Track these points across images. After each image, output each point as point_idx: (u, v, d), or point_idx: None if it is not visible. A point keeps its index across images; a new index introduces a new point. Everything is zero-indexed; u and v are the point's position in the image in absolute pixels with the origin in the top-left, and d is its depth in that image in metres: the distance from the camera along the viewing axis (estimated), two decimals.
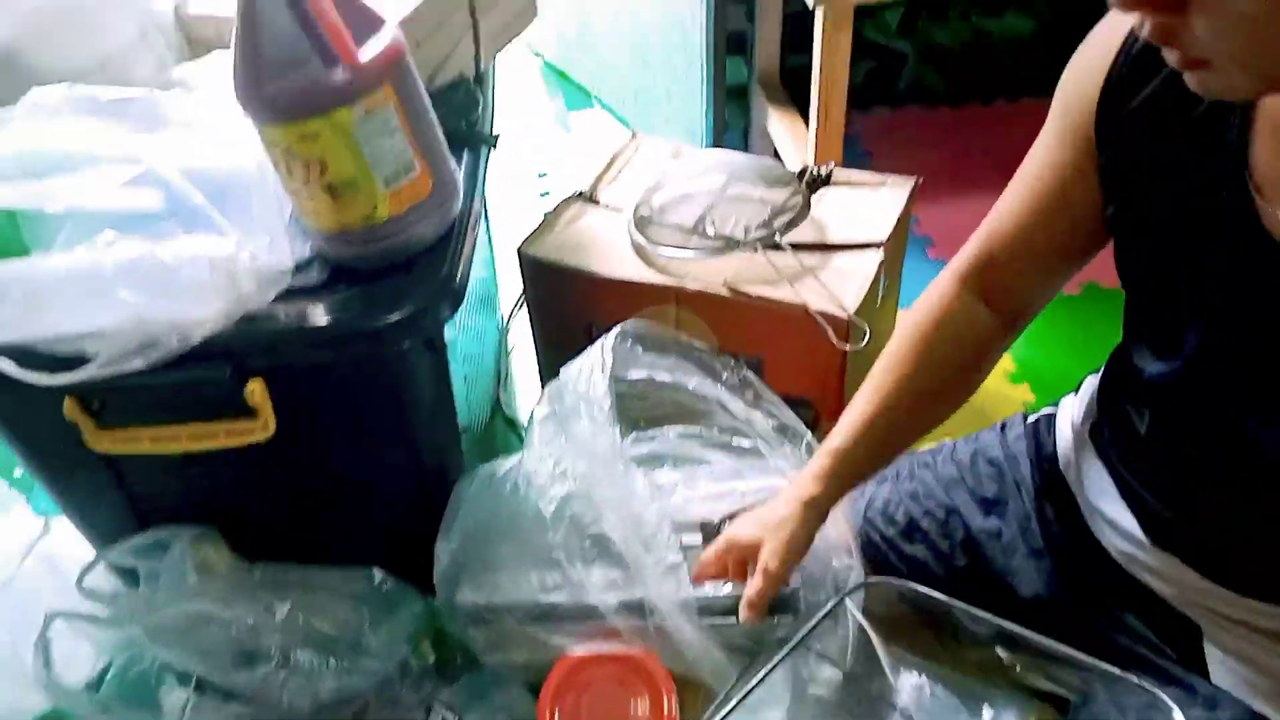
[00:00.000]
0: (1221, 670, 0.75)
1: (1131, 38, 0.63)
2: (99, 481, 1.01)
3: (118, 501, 1.03)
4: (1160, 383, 0.70)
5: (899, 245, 1.30)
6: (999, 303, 0.81)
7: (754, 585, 0.82)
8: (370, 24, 0.87)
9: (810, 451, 0.94)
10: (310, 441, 0.98)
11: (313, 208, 0.90)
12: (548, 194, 1.85)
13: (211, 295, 0.86)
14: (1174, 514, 0.74)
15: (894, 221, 1.22)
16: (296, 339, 0.88)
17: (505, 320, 1.57)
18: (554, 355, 1.33)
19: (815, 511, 0.82)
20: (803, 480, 0.83)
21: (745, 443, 1.01)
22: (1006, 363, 1.45)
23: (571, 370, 0.96)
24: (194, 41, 1.17)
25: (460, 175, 1.00)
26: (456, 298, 0.93)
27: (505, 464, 1.04)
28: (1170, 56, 0.50)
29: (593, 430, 0.90)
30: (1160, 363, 0.70)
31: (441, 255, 0.94)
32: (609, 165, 1.38)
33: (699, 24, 1.63)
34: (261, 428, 0.91)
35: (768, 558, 0.81)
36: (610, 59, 1.99)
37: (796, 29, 1.89)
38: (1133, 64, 0.62)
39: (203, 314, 0.86)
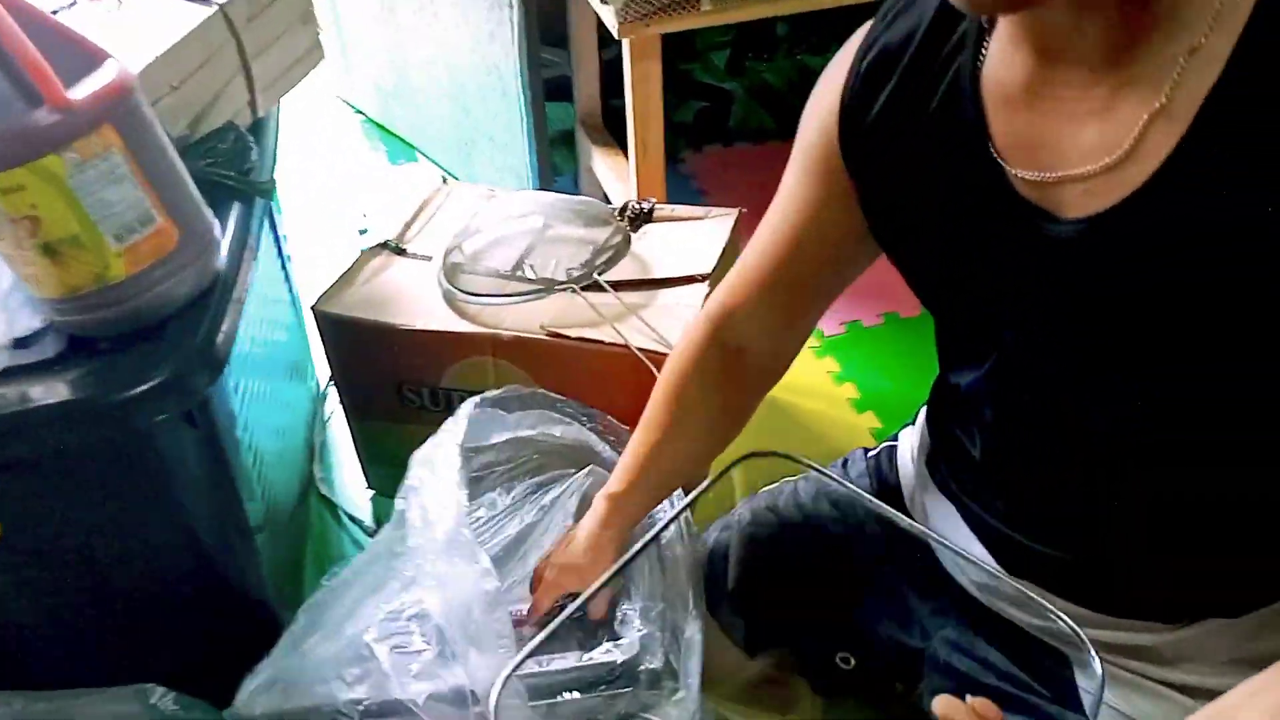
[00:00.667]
0: (1091, 701, 0.69)
1: (858, 60, 0.63)
2: None
3: None
4: (983, 390, 0.66)
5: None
6: (747, 352, 0.81)
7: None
8: (89, 60, 0.76)
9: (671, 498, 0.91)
10: (55, 542, 0.83)
11: (31, 272, 0.77)
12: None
13: None
14: (1024, 535, 0.69)
15: (719, 253, 1.16)
16: (19, 423, 0.75)
17: (321, 389, 1.44)
18: (364, 421, 1.22)
19: (613, 550, 0.81)
20: (591, 526, 0.82)
21: None
22: (851, 390, 1.41)
23: (426, 448, 0.87)
24: None
25: (223, 228, 0.89)
26: (216, 363, 0.81)
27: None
28: None
29: (436, 505, 0.80)
30: (975, 370, 0.65)
31: (198, 317, 0.82)
32: (417, 213, 1.28)
33: (514, 69, 1.57)
34: None
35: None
36: (430, 110, 1.91)
37: (615, 75, 1.87)
38: (863, 82, 0.62)
39: None
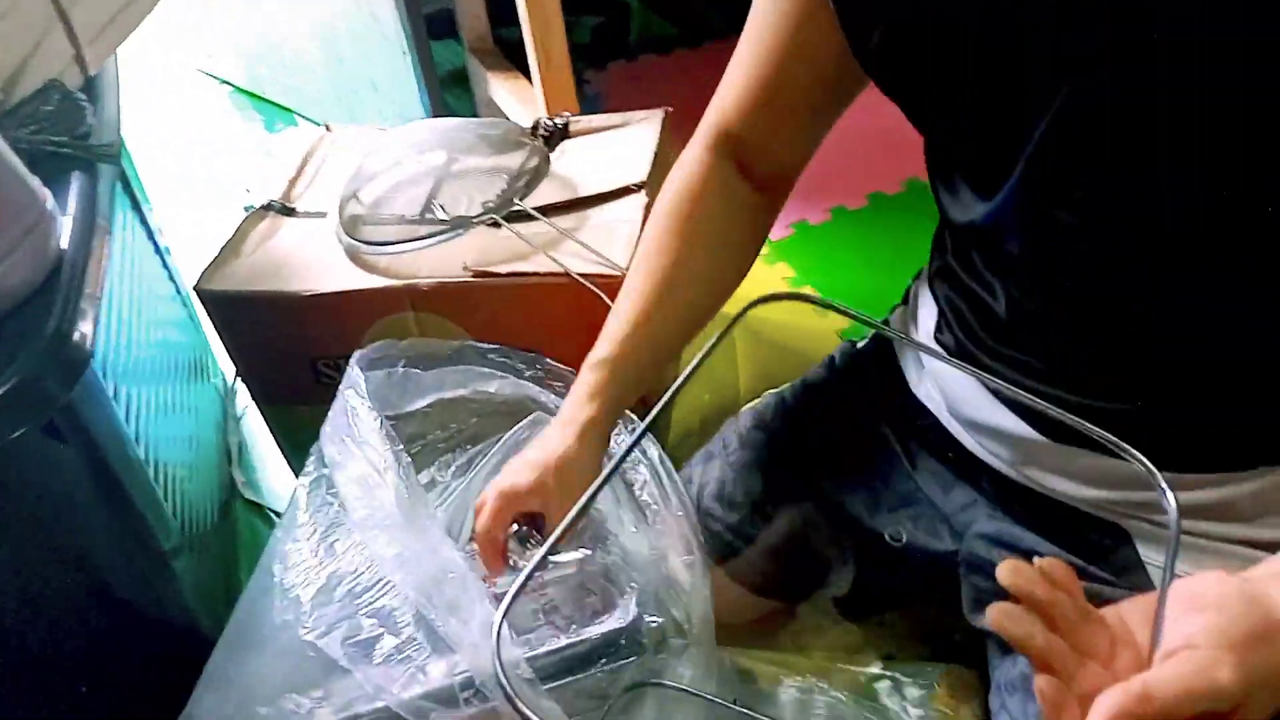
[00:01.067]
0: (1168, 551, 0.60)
1: None
2: None
3: None
4: (1009, 216, 0.55)
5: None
6: (755, 169, 0.70)
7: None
8: None
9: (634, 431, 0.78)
10: None
11: None
12: None
13: None
14: (1070, 390, 0.59)
15: (650, 158, 1.04)
16: None
17: (231, 383, 1.28)
18: (280, 407, 1.07)
19: (596, 434, 0.66)
20: (574, 403, 0.66)
21: None
22: (813, 291, 1.31)
23: (330, 425, 0.73)
24: None
25: (62, 205, 0.73)
26: (72, 364, 0.66)
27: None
28: None
29: (366, 484, 0.67)
30: (994, 194, 0.55)
31: (42, 311, 0.67)
32: (302, 167, 1.13)
33: (390, 7, 1.40)
34: None
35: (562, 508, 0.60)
36: (302, 67, 1.73)
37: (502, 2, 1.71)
38: None
39: None
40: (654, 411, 0.58)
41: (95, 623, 0.79)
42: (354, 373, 0.77)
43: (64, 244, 0.71)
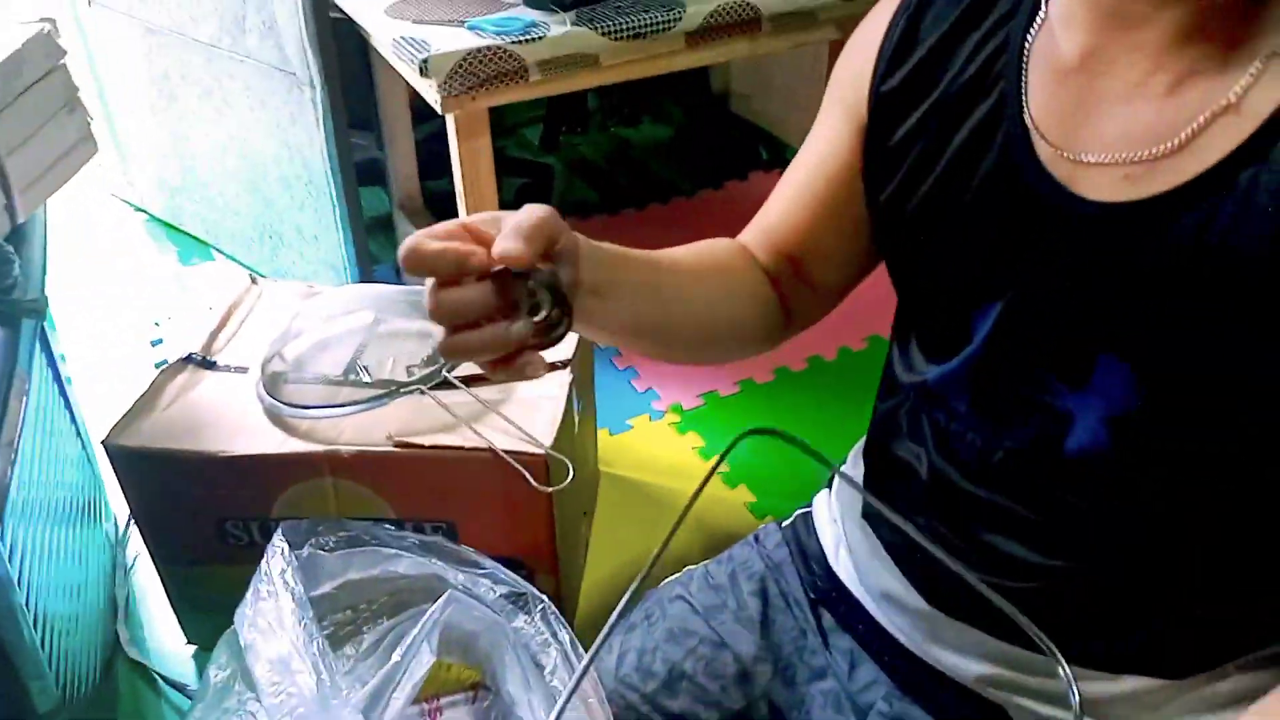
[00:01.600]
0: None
1: (899, 13, 0.60)
2: None
3: None
4: (960, 378, 0.60)
5: (586, 360, 1.16)
6: (792, 278, 0.72)
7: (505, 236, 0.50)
8: None
9: (546, 616, 0.78)
10: None
11: None
12: (165, 363, 1.53)
13: None
14: (966, 560, 0.62)
15: (577, 337, 1.07)
16: None
17: (121, 531, 1.23)
18: (179, 567, 1.03)
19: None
20: None
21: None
22: (724, 466, 1.35)
23: (247, 608, 0.71)
24: None
25: None
26: None
27: None
28: None
29: (284, 668, 0.65)
30: (943, 363, 0.60)
31: None
32: (225, 318, 1.12)
33: (320, 155, 1.44)
34: None
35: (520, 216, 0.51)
36: (225, 203, 1.74)
37: (431, 156, 1.77)
38: (901, 37, 0.60)
39: None
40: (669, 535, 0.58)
41: None
42: (278, 552, 0.76)
43: None
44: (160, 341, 1.61)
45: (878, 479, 0.72)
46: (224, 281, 1.75)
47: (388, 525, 0.85)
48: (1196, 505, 0.55)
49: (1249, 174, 0.46)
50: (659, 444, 1.39)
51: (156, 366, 1.54)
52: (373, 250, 1.71)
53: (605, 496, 1.28)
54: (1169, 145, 0.48)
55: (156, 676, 1.07)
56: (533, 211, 0.50)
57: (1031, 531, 0.61)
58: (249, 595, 0.74)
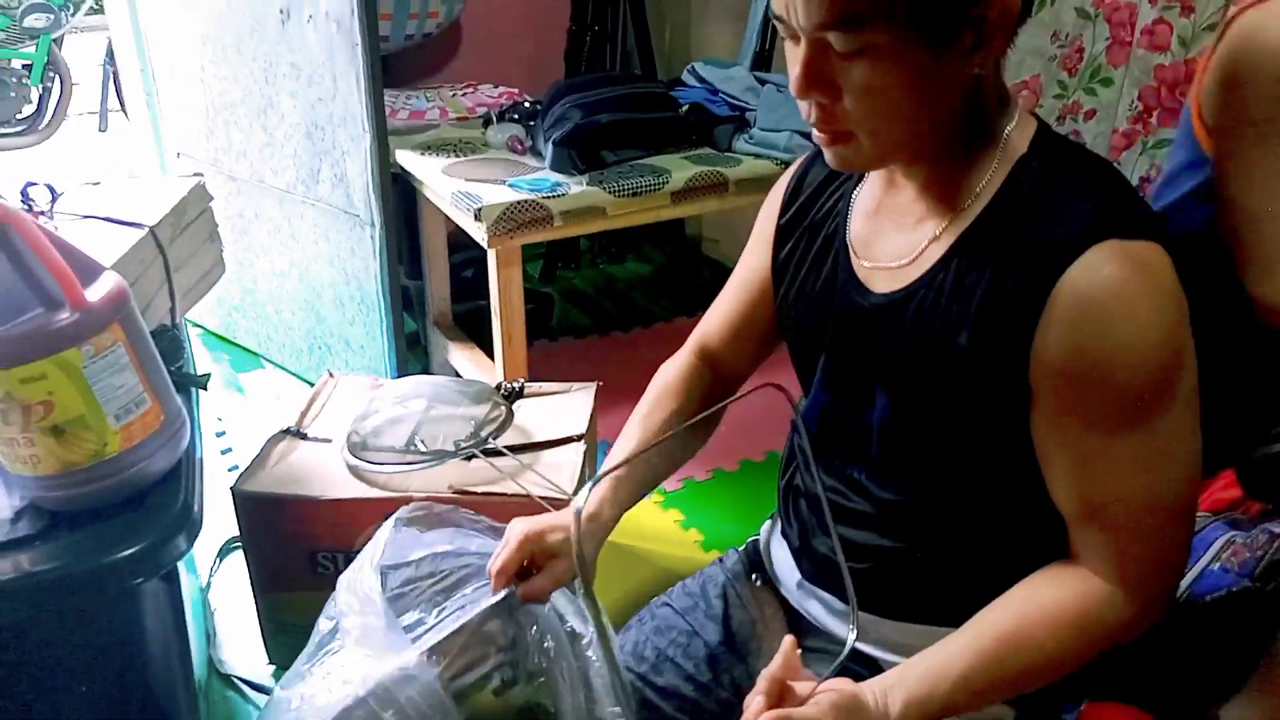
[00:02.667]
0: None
1: (799, 172, 0.93)
2: None
3: None
4: (808, 411, 0.92)
5: (593, 442, 1.46)
6: (720, 369, 1.04)
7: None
8: (90, 270, 0.90)
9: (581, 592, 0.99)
10: (36, 700, 0.88)
11: (30, 454, 0.86)
12: (230, 450, 1.82)
13: None
14: (849, 561, 0.89)
15: (587, 417, 1.39)
16: (22, 588, 0.83)
17: (207, 581, 1.49)
18: (275, 596, 1.30)
19: (599, 524, 0.94)
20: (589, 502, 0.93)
21: None
22: (696, 534, 1.64)
23: (346, 576, 0.95)
24: None
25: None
26: (194, 527, 0.92)
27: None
28: (822, 137, 0.76)
29: (364, 621, 0.91)
30: (809, 397, 0.92)
31: (175, 486, 0.94)
32: (311, 402, 1.43)
33: (374, 280, 1.77)
34: None
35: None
36: (280, 319, 2.06)
37: (457, 282, 2.12)
38: (795, 186, 0.93)
39: None
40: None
41: None
42: (385, 530, 0.98)
43: (188, 441, 0.99)
44: (223, 433, 1.89)
45: (783, 501, 1.03)
46: (273, 386, 2.05)
47: (466, 510, 1.09)
48: (950, 495, 0.84)
49: (934, 283, 0.78)
50: (646, 518, 1.69)
51: (222, 454, 1.82)
52: (410, 362, 2.03)
53: (605, 557, 1.57)
54: (907, 260, 0.81)
55: (246, 686, 1.31)
56: (497, 563, 0.88)
57: (864, 520, 0.90)
58: (348, 571, 0.98)
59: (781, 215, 0.95)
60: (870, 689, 0.77)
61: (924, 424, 0.83)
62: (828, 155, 0.79)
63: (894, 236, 0.83)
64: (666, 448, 0.99)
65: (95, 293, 0.87)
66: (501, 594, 0.89)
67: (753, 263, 1.00)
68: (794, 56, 0.74)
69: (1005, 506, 0.85)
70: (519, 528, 0.91)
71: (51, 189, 1.16)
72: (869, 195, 0.87)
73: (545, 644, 0.94)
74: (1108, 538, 0.77)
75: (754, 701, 0.74)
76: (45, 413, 0.85)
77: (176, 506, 0.92)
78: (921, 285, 0.80)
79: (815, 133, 0.78)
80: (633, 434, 1.00)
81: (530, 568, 0.92)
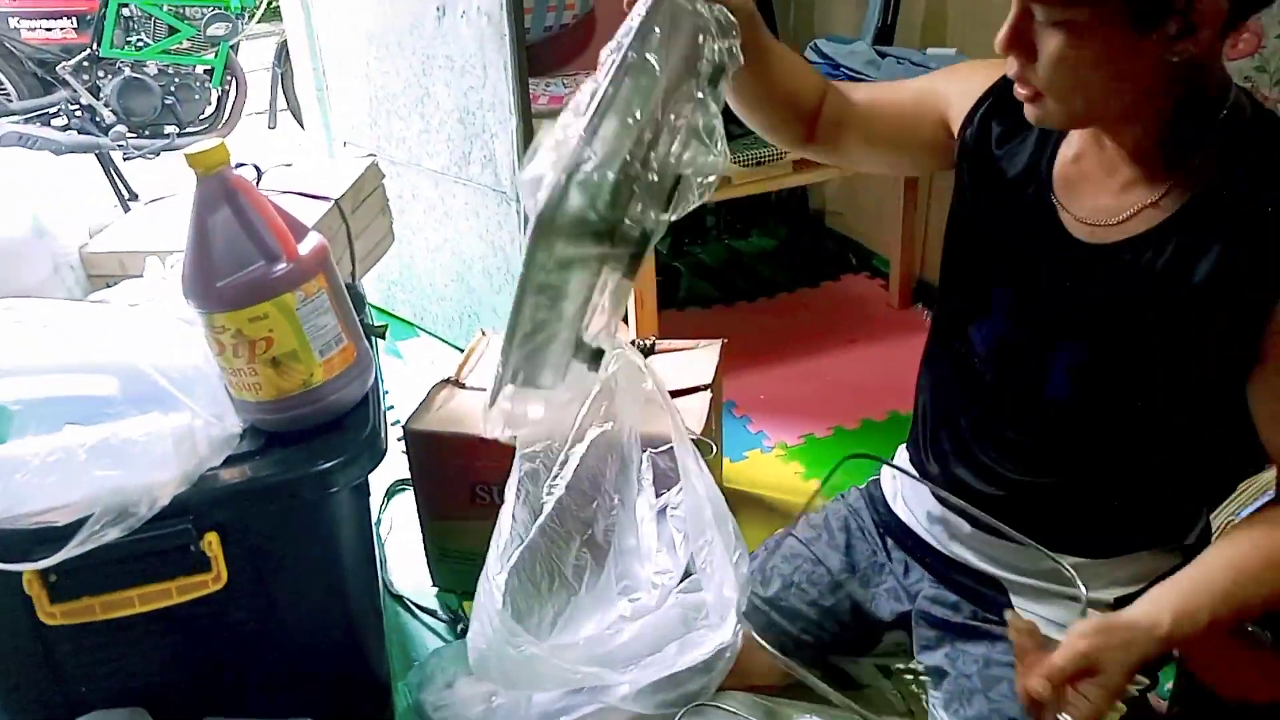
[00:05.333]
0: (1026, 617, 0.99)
1: (1000, 93, 0.93)
2: (27, 658, 1.03)
3: (44, 680, 1.05)
4: (978, 335, 0.96)
5: (718, 394, 1.58)
6: (830, 108, 1.03)
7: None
8: (299, 230, 1.08)
9: None
10: (254, 591, 1.07)
11: (254, 381, 1.05)
12: (391, 407, 2.03)
13: (174, 462, 0.98)
14: (985, 487, 0.98)
15: (714, 370, 1.51)
16: (250, 492, 1.01)
17: (379, 513, 1.69)
18: (439, 525, 1.47)
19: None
20: None
21: None
22: (815, 485, 1.73)
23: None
24: (95, 277, 1.32)
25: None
26: (381, 448, 1.09)
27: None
28: (1021, 93, 0.81)
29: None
30: (978, 325, 0.96)
31: (364, 414, 1.11)
32: (468, 357, 1.60)
33: (519, 249, 1.94)
34: (215, 579, 1.01)
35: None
36: (434, 291, 2.26)
37: None
38: (999, 103, 0.93)
39: (167, 478, 0.97)
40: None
41: (339, 618, 1.15)
42: None
43: (373, 378, 1.16)
44: (386, 392, 2.10)
45: (929, 443, 1.08)
46: (429, 353, 2.26)
47: None
48: (1125, 435, 0.90)
49: (1154, 246, 0.82)
50: (768, 470, 1.80)
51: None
52: None
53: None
54: (1119, 219, 0.85)
55: (415, 606, 1.50)
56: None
57: (1018, 452, 0.98)
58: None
59: (977, 106, 0.95)
60: (1133, 610, 0.81)
61: (1122, 373, 0.87)
62: (1026, 110, 0.83)
63: (1099, 194, 0.87)
64: (789, 57, 1.00)
65: (304, 248, 1.05)
66: None
67: (935, 97, 0.99)
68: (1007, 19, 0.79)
69: (1162, 453, 0.90)
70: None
71: (258, 167, 1.35)
72: (1072, 143, 0.90)
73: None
74: None
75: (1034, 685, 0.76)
76: (267, 347, 1.02)
77: (366, 429, 1.09)
78: (1146, 246, 0.83)
79: (1016, 87, 0.83)
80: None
81: None
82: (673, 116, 0.79)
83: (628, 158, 0.75)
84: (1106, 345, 0.88)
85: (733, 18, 0.84)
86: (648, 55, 0.78)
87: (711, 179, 0.79)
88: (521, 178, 0.76)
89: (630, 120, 0.75)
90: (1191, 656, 1.05)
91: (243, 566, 1.04)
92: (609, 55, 0.80)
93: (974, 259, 0.98)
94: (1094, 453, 0.93)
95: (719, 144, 0.79)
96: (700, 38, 0.82)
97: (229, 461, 1.03)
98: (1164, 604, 0.80)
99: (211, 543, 1.00)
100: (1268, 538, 0.83)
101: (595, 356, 0.83)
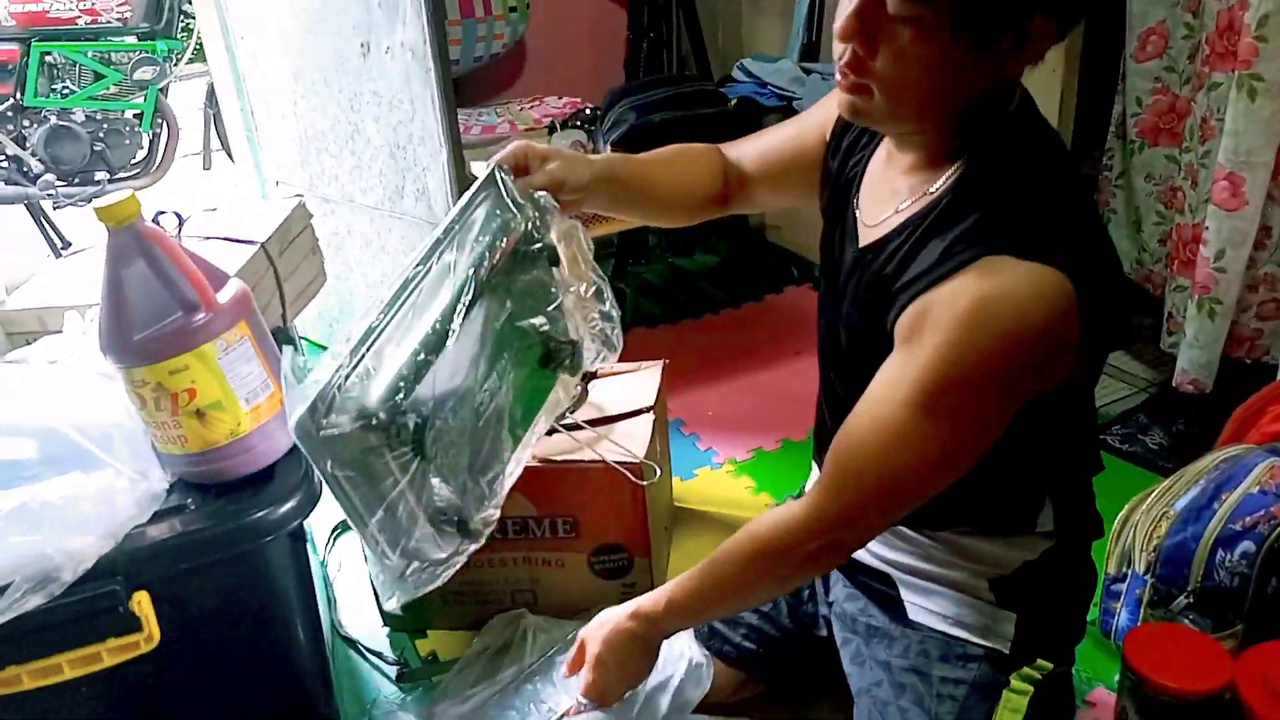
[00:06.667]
0: (916, 613, 1.02)
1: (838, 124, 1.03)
2: None
3: None
4: (819, 343, 1.06)
5: (663, 414, 1.58)
6: (731, 171, 1.13)
7: None
8: (218, 278, 1.07)
9: None
10: (191, 648, 1.04)
11: (178, 434, 1.03)
12: None
13: (97, 522, 0.96)
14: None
15: (655, 392, 1.51)
16: (180, 547, 0.99)
17: (326, 548, 1.66)
18: None
19: (598, 167, 1.06)
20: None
21: None
22: (766, 498, 1.75)
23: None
24: (14, 334, 1.29)
25: None
26: (315, 492, 1.08)
27: None
28: (843, 82, 0.82)
29: None
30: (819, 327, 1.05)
31: (297, 459, 1.09)
32: None
33: (464, 271, 1.93)
34: (147, 639, 0.99)
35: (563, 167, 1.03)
36: None
37: None
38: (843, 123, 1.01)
39: (91, 539, 0.95)
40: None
41: (281, 669, 1.13)
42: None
43: None
44: None
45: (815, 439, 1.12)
46: None
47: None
48: None
49: (888, 248, 0.87)
50: (720, 486, 1.80)
51: None
52: None
53: (680, 521, 1.69)
54: (876, 222, 0.90)
55: (363, 649, 1.47)
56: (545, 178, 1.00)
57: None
58: None
59: (832, 139, 1.03)
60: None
61: (856, 366, 0.91)
62: (841, 101, 0.84)
63: (880, 199, 0.92)
64: (667, 166, 1.10)
65: (223, 296, 1.04)
66: (487, 171, 0.97)
67: (811, 124, 1.07)
68: (848, 4, 0.79)
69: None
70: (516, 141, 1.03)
71: (179, 215, 1.34)
72: (878, 158, 0.96)
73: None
74: (827, 476, 0.88)
75: None
76: (189, 399, 1.01)
77: (299, 475, 1.08)
78: (884, 246, 0.88)
79: (837, 76, 0.83)
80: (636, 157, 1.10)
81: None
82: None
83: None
84: (863, 340, 0.91)
85: (553, 200, 1.00)
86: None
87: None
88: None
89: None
90: (1134, 653, 1.07)
91: (176, 623, 1.02)
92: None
93: (824, 266, 1.04)
94: None
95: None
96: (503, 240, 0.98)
97: (157, 517, 1.02)
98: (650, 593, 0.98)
99: (141, 602, 0.98)
100: (740, 538, 0.93)
101: (461, 526, 0.93)
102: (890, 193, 0.91)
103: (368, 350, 0.87)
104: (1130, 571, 1.25)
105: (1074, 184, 0.86)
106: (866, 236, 0.92)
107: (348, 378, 0.84)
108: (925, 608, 1.01)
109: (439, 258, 0.97)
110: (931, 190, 0.85)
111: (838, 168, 1.01)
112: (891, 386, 0.81)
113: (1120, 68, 1.87)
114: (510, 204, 1.00)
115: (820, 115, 1.06)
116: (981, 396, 0.79)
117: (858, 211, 0.95)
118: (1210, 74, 1.62)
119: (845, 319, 0.95)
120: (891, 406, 0.81)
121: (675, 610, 0.95)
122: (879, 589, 1.05)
